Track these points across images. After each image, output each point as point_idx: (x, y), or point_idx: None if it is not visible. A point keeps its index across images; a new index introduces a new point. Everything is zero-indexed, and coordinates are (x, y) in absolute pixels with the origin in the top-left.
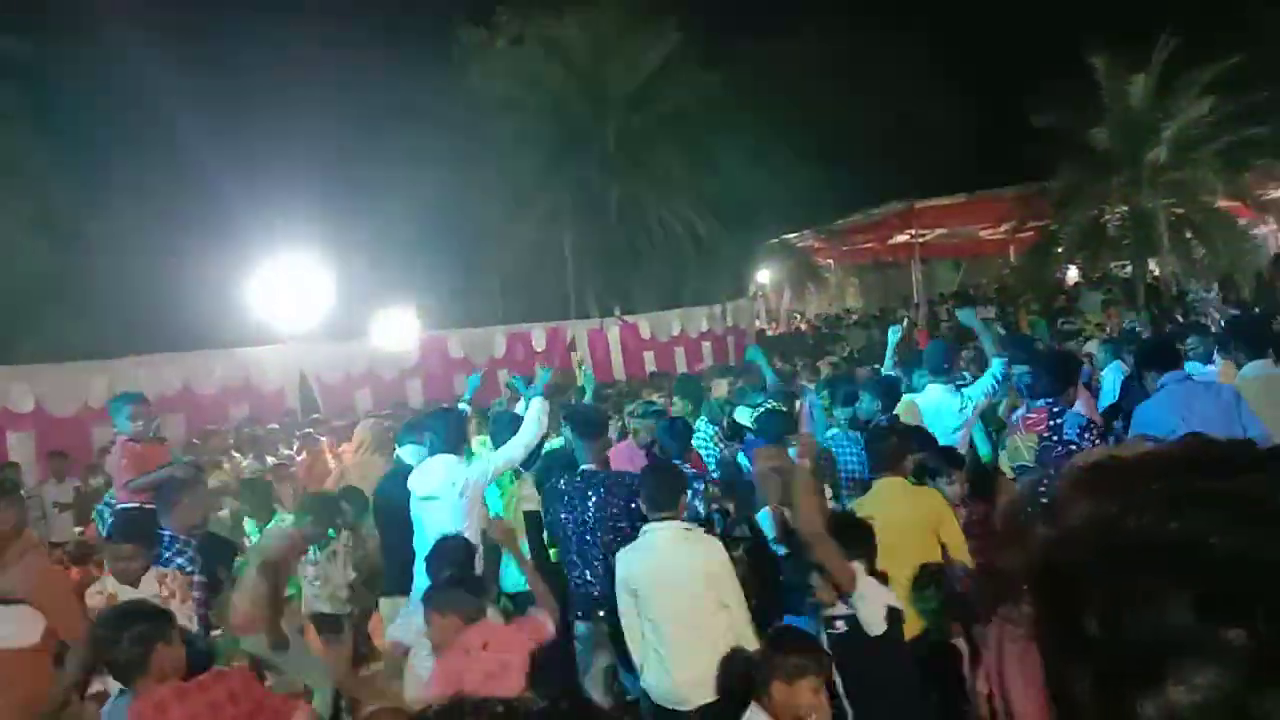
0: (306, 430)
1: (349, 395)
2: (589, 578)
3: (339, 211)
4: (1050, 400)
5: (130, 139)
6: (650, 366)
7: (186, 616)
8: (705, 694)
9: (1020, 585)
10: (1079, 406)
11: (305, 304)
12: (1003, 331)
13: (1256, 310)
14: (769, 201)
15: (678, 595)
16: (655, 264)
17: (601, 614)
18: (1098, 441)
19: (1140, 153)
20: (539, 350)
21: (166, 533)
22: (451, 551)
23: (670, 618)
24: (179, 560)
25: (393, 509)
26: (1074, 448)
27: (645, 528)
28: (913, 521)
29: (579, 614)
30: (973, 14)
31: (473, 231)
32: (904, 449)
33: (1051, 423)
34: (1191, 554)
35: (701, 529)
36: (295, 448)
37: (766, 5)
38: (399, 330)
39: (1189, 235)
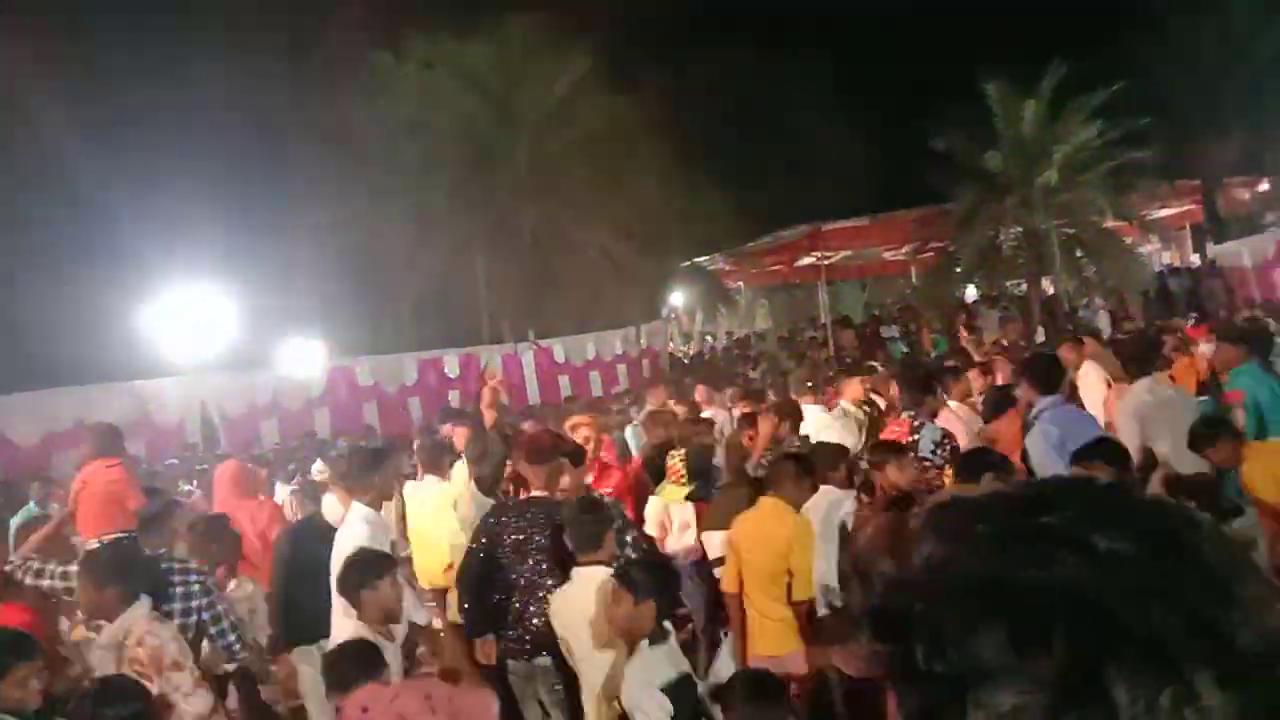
0: (202, 466)
1: (254, 427)
2: (530, 610)
3: (240, 237)
4: (912, 413)
5: (17, 164)
6: (566, 390)
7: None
8: None
9: (862, 623)
10: (950, 421)
11: (205, 333)
12: (905, 350)
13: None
14: (681, 225)
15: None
16: (569, 288)
17: (544, 652)
18: (949, 457)
19: (1032, 176)
20: (452, 377)
21: (175, 564)
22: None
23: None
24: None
25: (306, 558)
26: (927, 463)
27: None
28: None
29: (518, 651)
30: (874, 43)
31: (381, 256)
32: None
33: (911, 437)
34: (1002, 589)
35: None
36: (195, 483)
37: (676, 32)
38: (305, 358)
39: (1079, 254)
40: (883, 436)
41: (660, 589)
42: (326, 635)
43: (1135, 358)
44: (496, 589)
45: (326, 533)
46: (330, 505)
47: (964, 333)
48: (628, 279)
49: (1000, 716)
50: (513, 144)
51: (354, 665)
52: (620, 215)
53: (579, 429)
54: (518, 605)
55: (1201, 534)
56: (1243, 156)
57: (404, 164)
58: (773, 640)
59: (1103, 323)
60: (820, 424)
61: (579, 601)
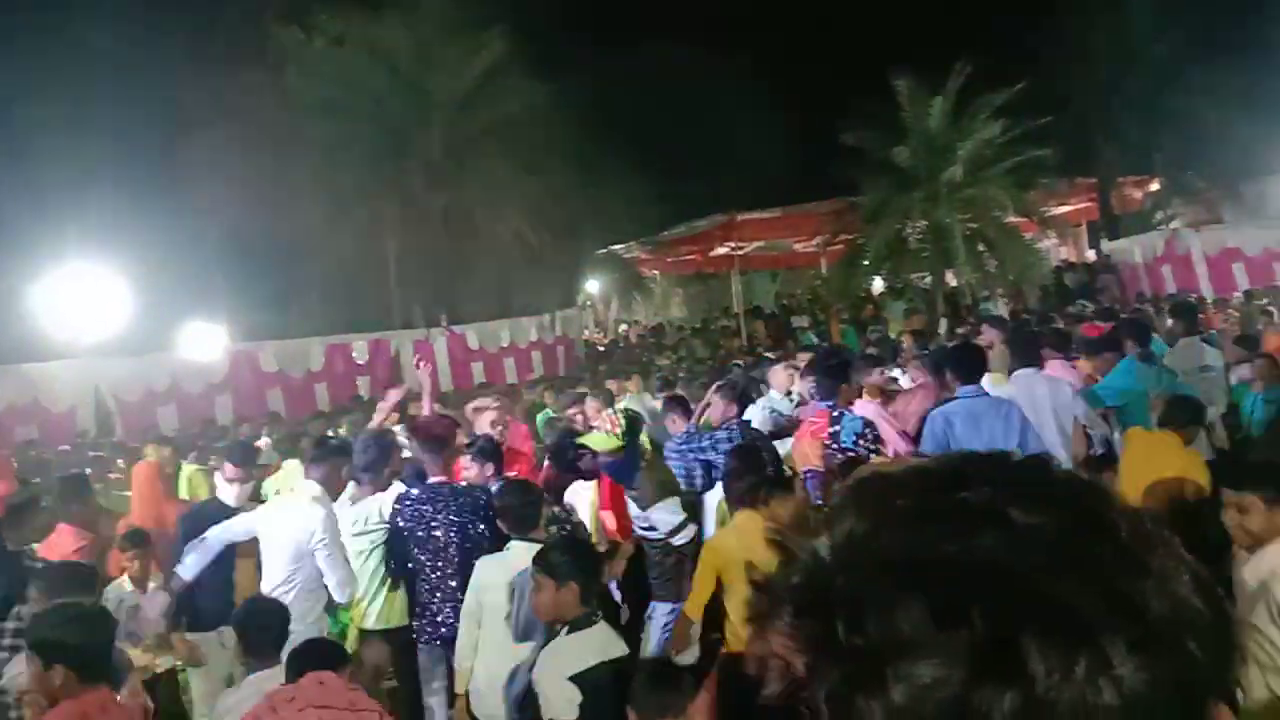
0: (97, 453)
1: (150, 413)
2: (437, 597)
3: (138, 215)
4: (830, 404)
5: None
6: (479, 377)
7: None
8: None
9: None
10: (865, 409)
11: (100, 314)
12: (816, 340)
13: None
14: (597, 212)
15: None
16: (483, 274)
17: (451, 638)
18: (873, 446)
19: (938, 171)
20: (360, 363)
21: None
22: (263, 616)
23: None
24: None
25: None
26: (851, 453)
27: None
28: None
29: (426, 636)
30: (790, 38)
31: (289, 238)
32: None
33: (832, 429)
34: (922, 563)
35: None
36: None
37: (594, 20)
38: (206, 342)
39: (982, 248)
40: (803, 426)
41: (581, 571)
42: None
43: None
44: (406, 575)
45: (228, 516)
46: (223, 489)
47: (908, 341)
48: (543, 265)
49: (920, 689)
50: (427, 126)
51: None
52: (536, 201)
53: (484, 413)
54: (426, 592)
55: (1114, 507)
56: (1135, 157)
57: (313, 144)
58: None
59: (1001, 313)
60: (749, 412)
61: (513, 569)
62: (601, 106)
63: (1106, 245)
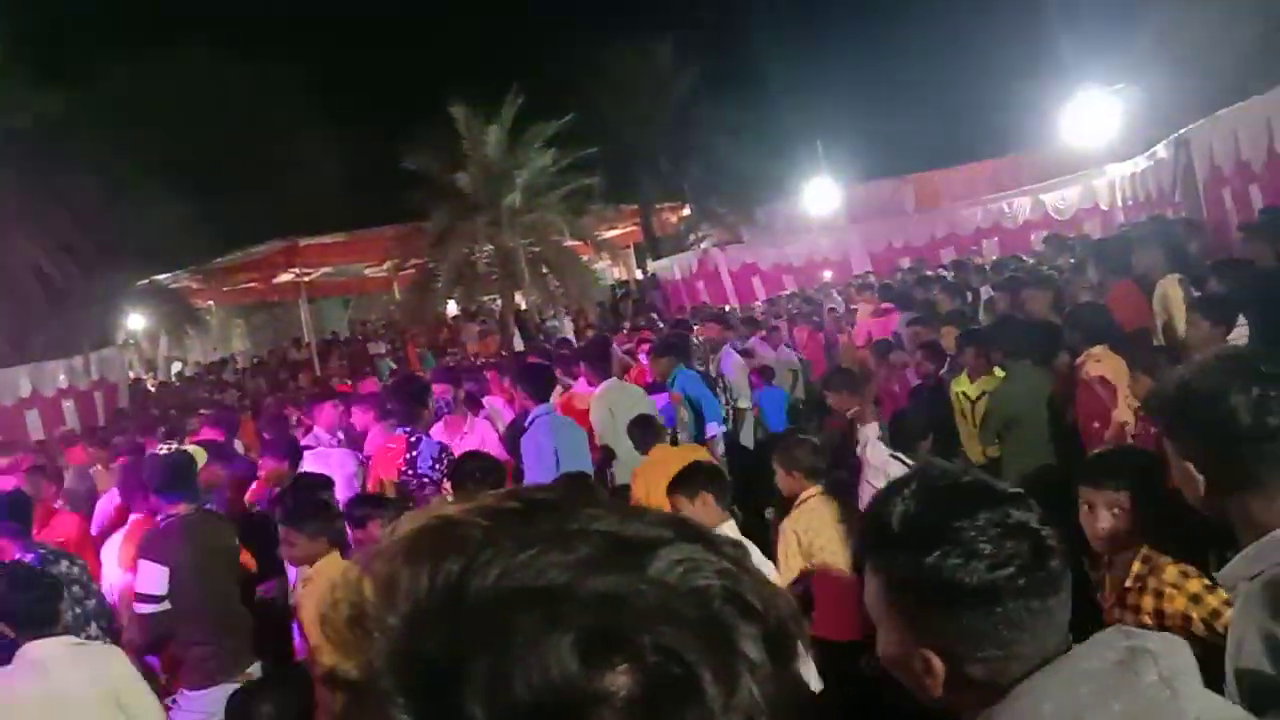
0: None
1: None
2: None
3: None
4: (408, 429)
5: None
6: None
7: None
8: None
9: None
10: (441, 434)
11: None
12: (394, 366)
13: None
14: (133, 238)
15: None
16: None
17: None
18: (447, 472)
19: (499, 197)
20: None
21: None
22: None
23: None
24: None
25: None
26: (427, 480)
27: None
28: None
29: None
30: (347, 58)
31: None
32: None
33: (408, 455)
34: (562, 599)
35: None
36: None
37: (121, 22)
38: None
39: (545, 270)
40: (378, 454)
41: None
42: None
43: (597, 362)
44: None
45: None
46: None
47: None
48: (71, 301)
49: None
50: None
51: None
52: (57, 228)
53: None
54: None
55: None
56: (669, 185)
57: None
58: None
59: (567, 331)
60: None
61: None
62: (134, 121)
63: (651, 265)
